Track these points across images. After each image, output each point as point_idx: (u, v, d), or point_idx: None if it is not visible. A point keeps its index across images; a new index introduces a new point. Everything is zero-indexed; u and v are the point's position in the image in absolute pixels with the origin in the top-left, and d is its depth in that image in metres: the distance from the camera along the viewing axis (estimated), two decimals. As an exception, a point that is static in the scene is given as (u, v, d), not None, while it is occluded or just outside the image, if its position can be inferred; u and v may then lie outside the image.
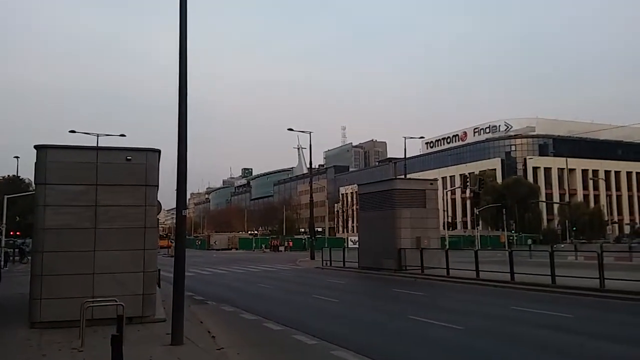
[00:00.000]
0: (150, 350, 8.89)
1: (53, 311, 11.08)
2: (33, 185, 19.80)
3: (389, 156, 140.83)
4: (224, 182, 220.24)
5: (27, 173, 65.80)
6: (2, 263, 19.58)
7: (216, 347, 9.31)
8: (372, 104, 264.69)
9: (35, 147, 11.76)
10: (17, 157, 50.55)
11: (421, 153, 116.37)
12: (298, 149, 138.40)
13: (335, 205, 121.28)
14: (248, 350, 9.38)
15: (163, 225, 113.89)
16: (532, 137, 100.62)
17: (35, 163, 11.69)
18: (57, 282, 11.26)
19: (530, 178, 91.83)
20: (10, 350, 9.09)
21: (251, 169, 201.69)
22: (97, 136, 37.05)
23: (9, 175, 68.54)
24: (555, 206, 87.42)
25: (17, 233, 47.21)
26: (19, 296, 16.77)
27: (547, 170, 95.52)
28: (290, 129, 47.10)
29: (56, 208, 11.49)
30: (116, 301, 9.47)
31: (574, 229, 68.32)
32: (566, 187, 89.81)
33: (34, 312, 11.22)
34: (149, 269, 12.03)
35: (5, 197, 42.64)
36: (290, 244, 73.73)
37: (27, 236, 44.79)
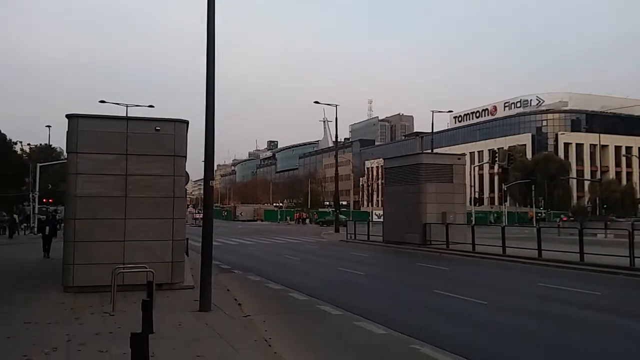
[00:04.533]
0: (179, 316, 9.12)
1: (85, 276, 11.43)
2: (64, 154, 20.28)
3: (415, 130, 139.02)
4: (249, 154, 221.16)
5: (58, 142, 67.36)
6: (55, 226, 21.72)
7: (243, 314, 9.49)
8: (400, 78, 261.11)
9: (67, 116, 11.97)
10: (48, 127, 51.69)
11: (449, 127, 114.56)
12: (324, 122, 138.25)
13: (361, 179, 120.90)
14: (273, 318, 9.54)
15: (190, 196, 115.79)
16: (565, 112, 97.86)
17: (67, 132, 11.91)
18: (89, 248, 11.59)
19: (561, 154, 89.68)
20: (45, 312, 9.43)
21: (277, 142, 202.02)
22: (127, 107, 37.42)
23: (41, 144, 70.27)
24: (586, 183, 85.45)
25: (50, 200, 48.51)
26: (52, 261, 17.37)
27: (579, 146, 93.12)
28: (316, 102, 46.44)
29: (88, 176, 11.75)
30: (146, 268, 9.71)
31: (605, 206, 66.91)
32: (598, 164, 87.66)
33: (67, 277, 11.60)
34: (178, 238, 12.29)
35: (38, 165, 43.84)
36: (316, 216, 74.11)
37: (59, 204, 46.01)
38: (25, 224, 42.13)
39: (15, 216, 43.32)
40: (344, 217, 54.69)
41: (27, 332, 7.87)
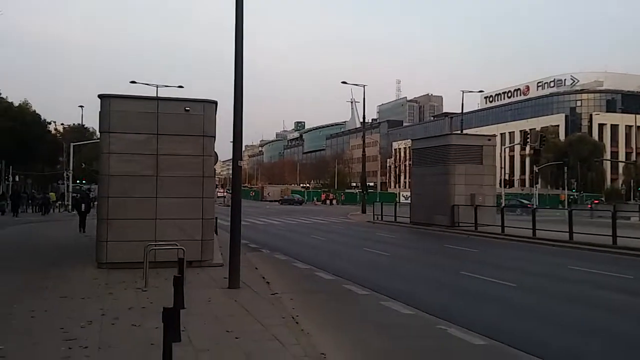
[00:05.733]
0: (209, 292, 9.31)
1: (118, 253, 11.72)
2: (97, 133, 20.81)
3: (445, 111, 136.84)
4: (277, 135, 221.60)
5: (91, 122, 68.73)
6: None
7: (270, 292, 9.63)
8: (429, 58, 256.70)
9: (99, 96, 12.16)
10: (81, 107, 52.65)
11: (479, 108, 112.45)
12: (351, 102, 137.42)
13: (388, 160, 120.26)
14: (301, 296, 9.65)
15: (219, 176, 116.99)
16: (600, 92, 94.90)
17: (100, 112, 12.12)
18: (121, 225, 11.86)
19: (595, 135, 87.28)
20: (81, 287, 9.73)
21: (304, 123, 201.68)
22: (157, 87, 37.83)
23: (74, 124, 71.84)
24: (620, 165, 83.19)
25: (83, 179, 49.77)
26: (86, 238, 17.87)
27: (614, 127, 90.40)
28: (344, 82, 45.99)
29: (120, 156, 11.98)
30: (177, 245, 9.91)
31: (639, 189, 65.14)
32: (633, 145, 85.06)
33: (101, 253, 11.92)
34: (207, 216, 12.48)
35: (72, 144, 44.94)
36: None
37: (92, 182, 47.17)
38: (60, 202, 43.41)
39: (52, 194, 44.69)
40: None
41: (63, 306, 8.14)
